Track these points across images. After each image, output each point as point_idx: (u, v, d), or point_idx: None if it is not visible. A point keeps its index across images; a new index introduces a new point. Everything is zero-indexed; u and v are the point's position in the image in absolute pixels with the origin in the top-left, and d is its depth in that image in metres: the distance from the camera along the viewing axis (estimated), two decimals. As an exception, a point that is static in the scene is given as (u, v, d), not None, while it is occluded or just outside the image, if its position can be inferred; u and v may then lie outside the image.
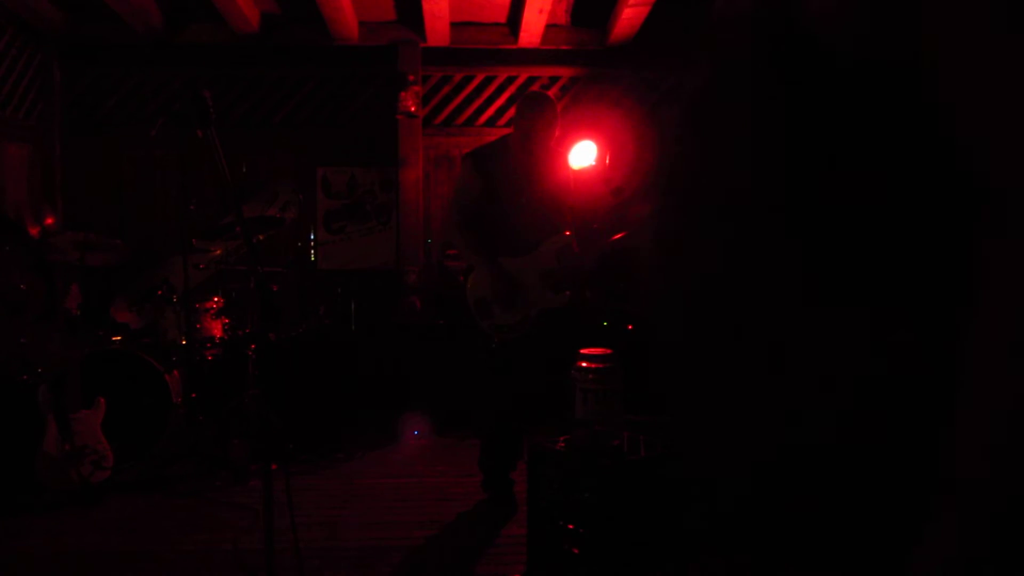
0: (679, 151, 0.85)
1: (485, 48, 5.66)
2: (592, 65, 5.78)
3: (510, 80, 5.85)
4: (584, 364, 2.54)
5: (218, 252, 5.25)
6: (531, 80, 5.85)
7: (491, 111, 5.86)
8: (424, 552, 3.01)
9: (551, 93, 5.83)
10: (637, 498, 2.48)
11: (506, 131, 5.46)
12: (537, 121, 3.29)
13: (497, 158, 3.37)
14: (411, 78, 5.55)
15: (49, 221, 5.22)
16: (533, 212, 3.33)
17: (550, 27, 5.43)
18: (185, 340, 4.25)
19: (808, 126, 0.76)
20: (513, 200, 3.32)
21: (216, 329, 4.36)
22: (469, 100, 5.87)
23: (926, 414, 0.65)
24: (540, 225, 3.32)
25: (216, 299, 4.38)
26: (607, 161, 5.33)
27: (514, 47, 5.61)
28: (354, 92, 5.84)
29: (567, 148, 5.36)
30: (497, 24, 5.56)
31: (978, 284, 0.58)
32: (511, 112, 5.83)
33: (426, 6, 4.97)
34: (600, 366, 2.53)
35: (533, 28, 5.29)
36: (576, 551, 2.46)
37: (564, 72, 5.82)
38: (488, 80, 5.85)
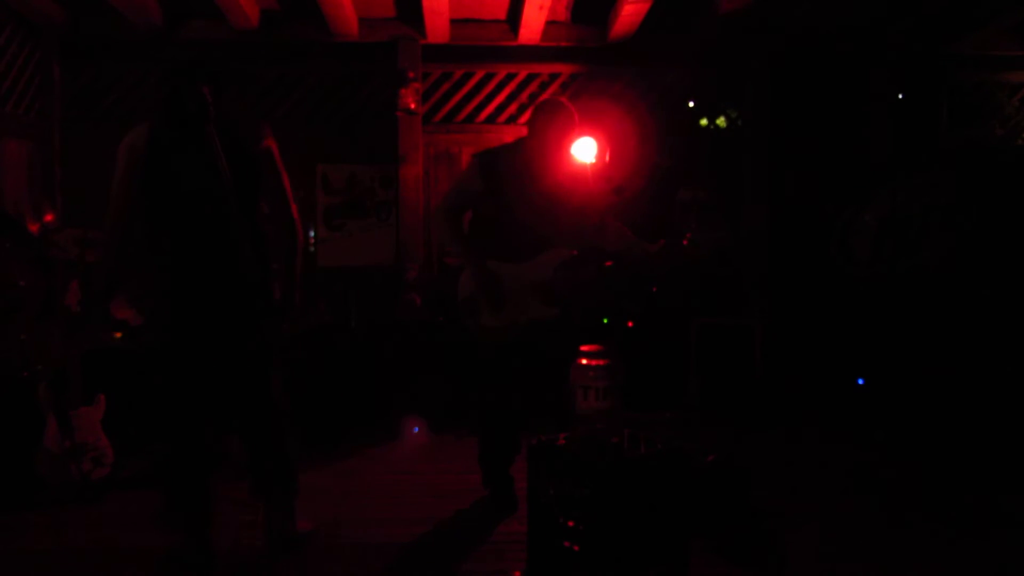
0: None
1: (485, 45, 5.65)
2: (592, 62, 5.77)
3: (510, 77, 5.84)
4: (584, 360, 2.54)
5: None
6: (531, 77, 5.84)
7: (491, 108, 5.85)
8: (424, 549, 3.01)
9: (551, 90, 5.84)
10: (637, 495, 2.48)
11: (507, 128, 5.47)
12: (549, 128, 3.25)
13: (507, 160, 3.31)
14: (411, 75, 5.54)
15: (49, 218, 5.21)
16: (536, 220, 3.26)
17: (550, 24, 5.42)
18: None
19: None
20: (516, 205, 3.26)
21: (216, 326, 4.35)
22: (469, 97, 5.86)
23: None
24: (541, 235, 3.27)
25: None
26: (607, 159, 5.32)
27: (514, 44, 5.60)
28: (354, 89, 5.83)
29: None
30: (497, 21, 5.55)
31: None
32: (511, 109, 5.84)
33: (426, 3, 4.96)
34: (600, 363, 2.53)
35: (533, 25, 5.28)
36: (576, 548, 2.46)
37: (564, 69, 5.81)
38: (488, 77, 5.84)
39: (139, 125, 2.87)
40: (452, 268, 5.20)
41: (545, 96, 5.84)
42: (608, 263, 3.31)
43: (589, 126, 5.28)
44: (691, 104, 6.02)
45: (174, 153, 2.78)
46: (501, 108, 5.84)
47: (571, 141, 3.39)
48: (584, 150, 5.26)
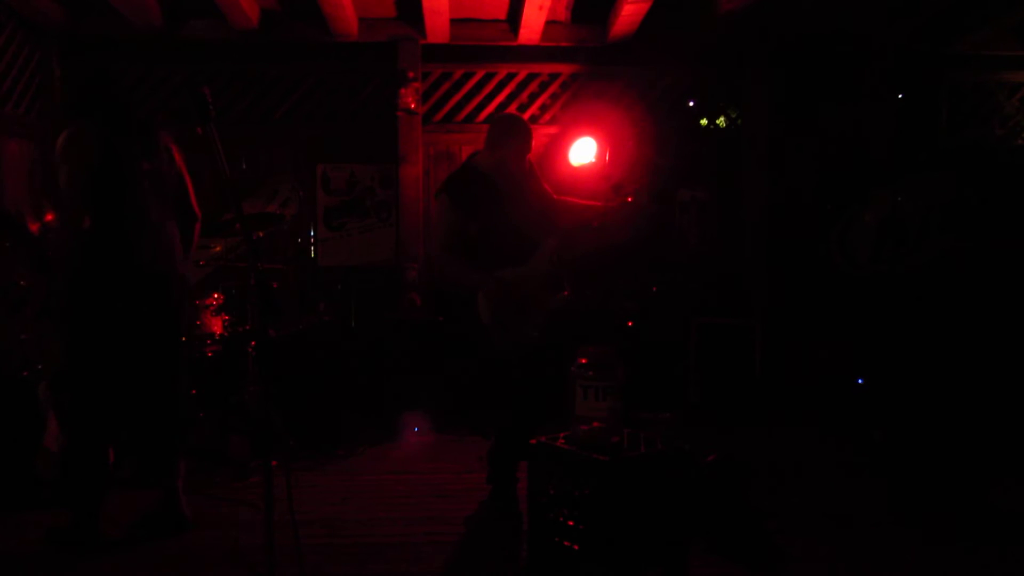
0: None
1: (485, 45, 5.65)
2: (592, 62, 5.77)
3: (510, 77, 5.84)
4: (584, 361, 2.55)
5: (218, 249, 5.25)
6: (531, 77, 5.84)
7: (491, 108, 5.85)
8: (424, 548, 3.01)
9: (551, 90, 5.84)
10: (637, 495, 2.48)
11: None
12: (511, 144, 3.41)
13: (473, 185, 3.40)
14: (411, 75, 5.55)
15: (49, 217, 5.20)
16: (523, 226, 3.37)
17: (550, 24, 5.42)
18: (185, 337, 4.24)
19: None
20: (500, 220, 3.35)
21: (216, 326, 4.36)
22: (469, 97, 5.86)
23: None
24: (532, 235, 3.36)
25: (216, 295, 4.37)
26: (607, 158, 5.33)
27: (514, 44, 5.60)
28: (354, 89, 5.83)
29: (566, 146, 5.37)
30: (497, 21, 5.55)
31: None
32: (511, 109, 5.83)
33: (426, 3, 4.96)
34: (600, 362, 2.53)
35: (533, 24, 5.28)
36: (576, 547, 2.46)
37: (564, 69, 5.82)
38: (488, 77, 5.84)
39: (80, 121, 3.00)
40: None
41: (545, 96, 5.85)
42: (595, 224, 3.38)
43: (589, 126, 5.32)
44: (691, 104, 6.02)
45: (137, 153, 2.91)
46: (501, 108, 5.83)
47: (530, 149, 3.54)
48: (584, 150, 5.29)
